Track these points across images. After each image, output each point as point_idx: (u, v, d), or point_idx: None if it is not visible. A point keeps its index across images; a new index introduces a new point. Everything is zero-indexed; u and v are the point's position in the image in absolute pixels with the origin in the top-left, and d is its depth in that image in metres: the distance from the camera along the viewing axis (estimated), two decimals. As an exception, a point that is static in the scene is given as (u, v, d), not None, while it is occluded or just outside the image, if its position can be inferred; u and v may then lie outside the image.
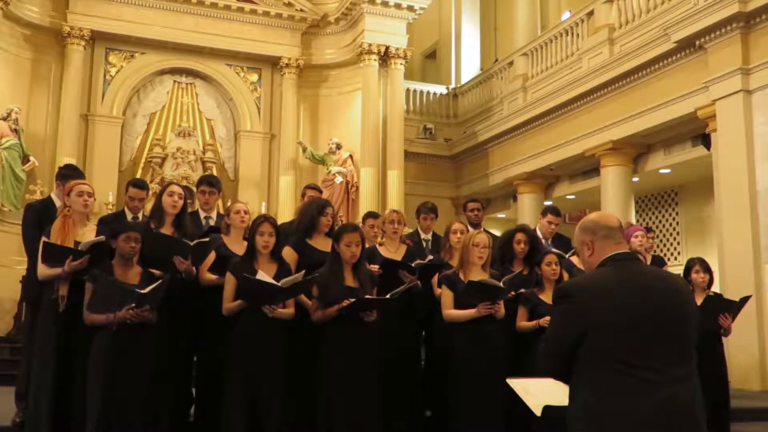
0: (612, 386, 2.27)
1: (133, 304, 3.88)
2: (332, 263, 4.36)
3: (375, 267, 4.85)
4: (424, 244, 5.89)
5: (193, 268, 4.50)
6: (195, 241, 4.51)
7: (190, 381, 4.91)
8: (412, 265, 5.02)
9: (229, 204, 5.33)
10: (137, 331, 3.97)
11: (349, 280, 4.34)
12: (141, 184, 5.45)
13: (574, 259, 5.60)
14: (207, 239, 4.68)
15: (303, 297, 4.42)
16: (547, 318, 4.70)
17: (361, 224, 5.37)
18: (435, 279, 5.05)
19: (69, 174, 4.91)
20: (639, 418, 2.23)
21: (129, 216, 5.23)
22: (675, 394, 2.27)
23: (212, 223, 5.27)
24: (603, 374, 2.29)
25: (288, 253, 4.59)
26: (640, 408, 2.24)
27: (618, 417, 2.25)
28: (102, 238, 4.20)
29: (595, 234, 2.49)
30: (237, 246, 4.61)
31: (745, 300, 5.28)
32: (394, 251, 5.21)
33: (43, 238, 4.23)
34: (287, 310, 4.28)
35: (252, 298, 4.14)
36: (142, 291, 3.90)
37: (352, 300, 4.19)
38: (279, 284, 4.09)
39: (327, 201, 5.22)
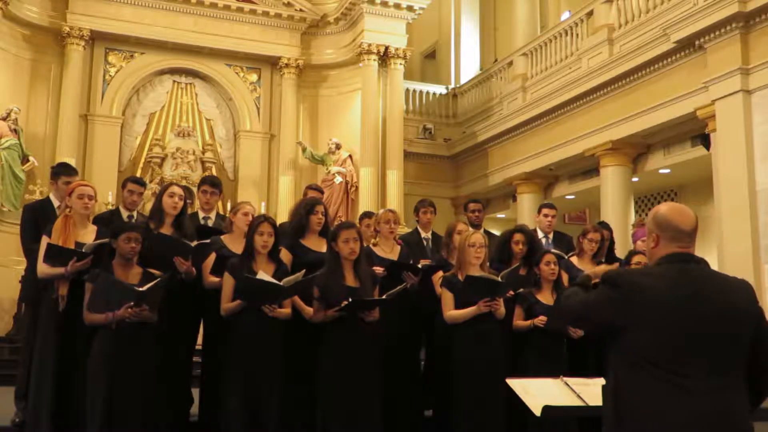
0: (642, 387, 2.19)
1: (132, 303, 3.89)
2: (331, 264, 4.34)
3: (380, 269, 4.84)
4: (425, 242, 5.86)
5: (194, 269, 4.50)
6: (195, 242, 4.51)
7: (190, 381, 4.91)
8: (418, 266, 5.01)
9: (235, 204, 5.32)
10: (137, 331, 3.98)
11: (350, 280, 4.32)
12: (139, 180, 5.47)
13: (574, 260, 5.61)
14: (208, 240, 4.67)
15: (297, 299, 4.41)
16: (543, 318, 4.70)
17: (357, 224, 5.35)
18: (436, 279, 5.04)
19: (60, 171, 4.90)
20: (665, 424, 2.14)
21: (125, 214, 5.22)
22: (709, 406, 2.15)
23: (210, 224, 5.27)
24: (634, 373, 2.21)
25: (283, 254, 4.58)
26: (668, 414, 2.14)
27: (642, 419, 2.17)
28: (106, 240, 4.21)
29: (663, 231, 2.36)
30: (238, 246, 4.59)
31: None
32: (389, 251, 5.18)
33: (46, 238, 4.22)
34: (284, 310, 4.28)
35: (252, 298, 4.13)
36: (140, 289, 3.91)
37: (349, 300, 4.17)
38: (281, 283, 4.09)
39: (317, 199, 5.18)
